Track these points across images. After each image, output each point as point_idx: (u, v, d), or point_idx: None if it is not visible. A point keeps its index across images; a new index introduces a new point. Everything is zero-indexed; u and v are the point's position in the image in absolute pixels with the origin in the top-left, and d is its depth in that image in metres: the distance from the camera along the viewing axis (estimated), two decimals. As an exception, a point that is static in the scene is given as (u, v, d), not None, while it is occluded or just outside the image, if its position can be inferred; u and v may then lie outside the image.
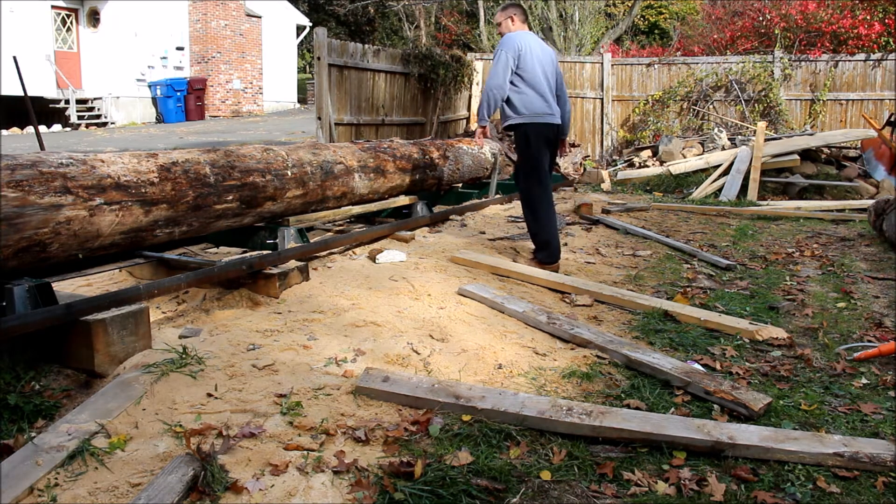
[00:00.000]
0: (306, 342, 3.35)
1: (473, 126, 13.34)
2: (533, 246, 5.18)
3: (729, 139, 11.27)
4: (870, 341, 3.87)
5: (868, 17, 13.03)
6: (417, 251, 5.00)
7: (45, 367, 3.00)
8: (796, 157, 10.17)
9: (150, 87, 20.04)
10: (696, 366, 3.41)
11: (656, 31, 24.05)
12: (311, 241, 5.02)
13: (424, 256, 4.85)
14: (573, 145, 12.56)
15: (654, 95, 12.64)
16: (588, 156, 12.92)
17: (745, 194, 9.62)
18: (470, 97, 13.55)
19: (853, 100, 11.75)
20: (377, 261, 4.61)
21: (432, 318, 3.77)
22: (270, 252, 4.39)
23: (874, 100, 11.64)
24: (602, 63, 13.04)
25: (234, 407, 2.73)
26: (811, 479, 2.45)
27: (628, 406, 2.97)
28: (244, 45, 21.58)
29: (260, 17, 21.96)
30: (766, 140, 10.28)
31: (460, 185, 7.60)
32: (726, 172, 10.12)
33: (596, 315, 4.24)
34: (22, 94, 5.54)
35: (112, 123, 19.60)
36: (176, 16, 20.48)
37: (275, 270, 4.04)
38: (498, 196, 7.77)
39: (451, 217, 6.47)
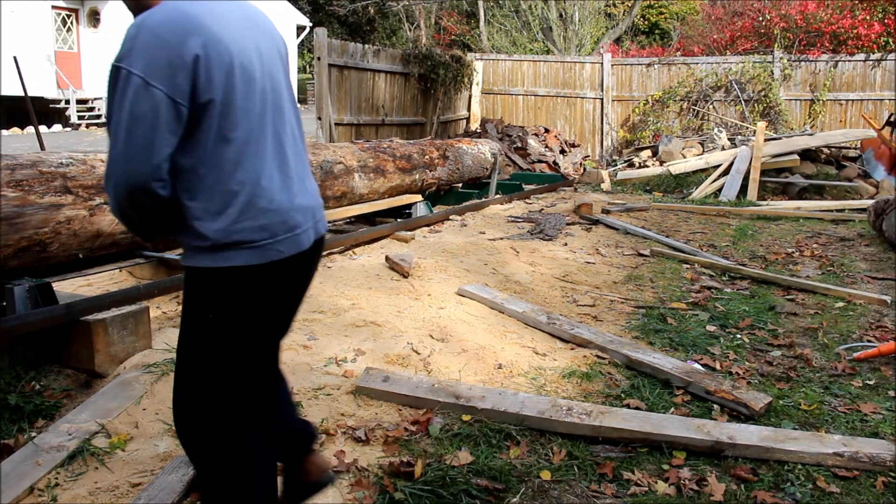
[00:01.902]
0: (306, 342, 3.36)
1: (474, 126, 13.35)
2: None
3: (729, 139, 11.27)
4: (870, 341, 3.87)
5: (868, 18, 13.02)
6: (417, 251, 5.00)
7: (45, 367, 3.00)
8: (796, 157, 10.17)
9: (150, 87, 20.01)
10: (696, 366, 3.42)
11: (656, 32, 24.04)
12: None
13: (425, 256, 4.85)
14: (573, 145, 12.55)
15: (653, 95, 12.64)
16: (588, 156, 12.91)
17: (744, 194, 9.61)
18: (470, 97, 13.57)
19: (853, 100, 11.75)
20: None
21: (432, 318, 3.77)
22: (270, 252, 4.38)
23: (874, 100, 11.64)
24: (602, 63, 13.05)
25: (234, 407, 2.73)
26: (811, 478, 2.45)
27: (628, 406, 2.97)
28: (244, 46, 21.56)
29: (260, 18, 21.94)
30: (765, 140, 10.28)
31: (460, 185, 7.61)
32: (726, 172, 10.11)
33: (596, 315, 4.24)
34: (22, 94, 5.54)
35: (112, 123, 19.57)
36: (176, 16, 20.46)
37: (275, 270, 4.03)
38: (498, 196, 7.78)
39: (451, 217, 6.47)
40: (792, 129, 11.76)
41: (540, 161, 11.52)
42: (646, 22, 23.95)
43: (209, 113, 1.58)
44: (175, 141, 1.56)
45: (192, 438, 1.74)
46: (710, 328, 4.06)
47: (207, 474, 1.76)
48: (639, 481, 2.42)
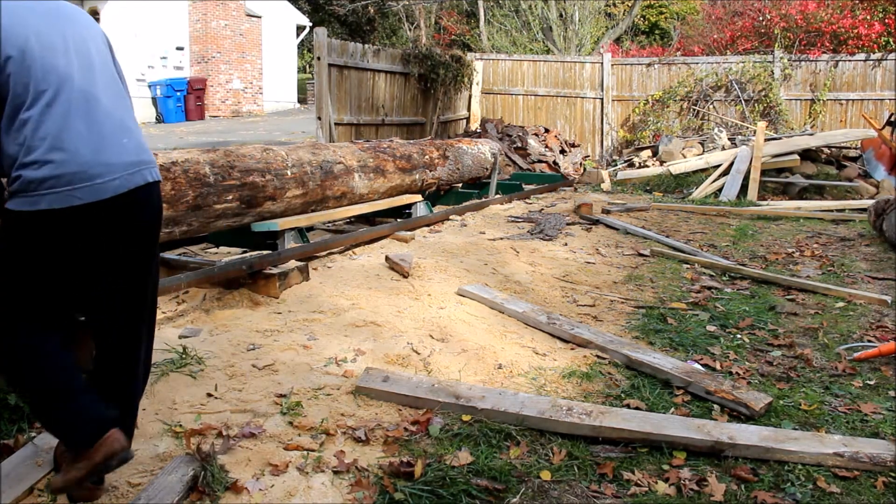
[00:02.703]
0: (306, 342, 3.35)
1: (474, 126, 13.34)
2: None
3: (729, 139, 11.26)
4: (870, 341, 3.87)
5: (868, 17, 13.01)
6: (418, 251, 5.00)
7: (45, 367, 3.00)
8: (796, 157, 10.17)
9: (149, 87, 20.01)
10: (697, 366, 3.42)
11: (656, 31, 24.04)
12: (311, 241, 5.02)
13: (425, 256, 4.85)
14: (573, 145, 12.55)
15: (654, 95, 12.64)
16: (588, 156, 12.91)
17: (745, 194, 9.61)
18: (470, 97, 13.57)
19: (853, 100, 11.75)
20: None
21: (432, 318, 3.77)
22: (270, 252, 4.39)
23: (874, 100, 11.63)
24: (602, 63, 13.04)
25: (234, 407, 2.73)
26: (811, 479, 2.45)
27: (628, 406, 2.97)
28: (244, 45, 21.56)
29: (260, 17, 21.94)
30: (766, 140, 10.27)
31: (460, 185, 7.60)
32: (726, 172, 10.11)
33: (596, 315, 4.24)
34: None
35: (112, 123, 19.55)
36: (176, 16, 20.44)
37: (275, 270, 4.04)
38: (498, 196, 7.77)
39: (451, 217, 6.47)
40: (792, 128, 11.75)
41: (540, 161, 11.52)
42: (646, 22, 23.94)
43: (8, 81, 1.91)
44: None
45: None
46: (711, 328, 4.05)
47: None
48: (639, 481, 2.42)
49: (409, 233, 5.52)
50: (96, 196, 1.97)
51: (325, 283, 4.18)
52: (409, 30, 23.66)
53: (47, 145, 1.93)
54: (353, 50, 10.12)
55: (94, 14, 19.40)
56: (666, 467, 2.51)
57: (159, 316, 3.83)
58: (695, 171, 10.57)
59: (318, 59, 9.41)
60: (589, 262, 5.37)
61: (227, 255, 4.96)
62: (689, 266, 5.48)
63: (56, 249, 1.98)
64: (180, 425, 2.58)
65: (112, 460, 2.05)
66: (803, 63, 12.01)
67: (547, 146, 11.93)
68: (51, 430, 2.17)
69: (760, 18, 14.21)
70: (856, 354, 3.61)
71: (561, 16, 19.01)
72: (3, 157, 1.95)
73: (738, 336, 3.95)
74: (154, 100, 20.15)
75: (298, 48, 25.22)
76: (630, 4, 20.12)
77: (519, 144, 11.74)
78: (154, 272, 2.28)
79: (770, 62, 12.10)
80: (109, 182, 1.99)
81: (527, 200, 7.95)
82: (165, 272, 4.22)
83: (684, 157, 11.12)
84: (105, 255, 2.08)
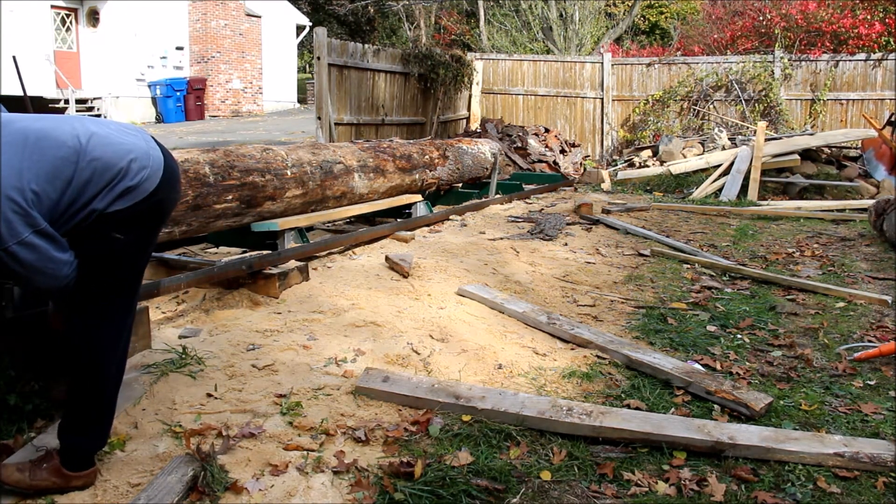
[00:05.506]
0: (306, 342, 3.35)
1: (474, 126, 13.34)
2: None
3: (729, 139, 11.26)
4: (870, 341, 3.87)
5: (868, 17, 13.01)
6: (418, 251, 5.00)
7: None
8: (796, 157, 10.16)
9: (149, 86, 20.01)
10: (697, 366, 3.41)
11: (657, 31, 24.04)
12: (311, 241, 5.02)
13: (425, 256, 4.85)
14: (573, 145, 12.54)
15: (654, 95, 12.64)
16: (588, 156, 12.91)
17: (745, 194, 9.61)
18: (470, 97, 13.56)
19: (853, 99, 11.74)
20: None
21: (432, 318, 3.77)
22: (270, 252, 4.38)
23: (874, 99, 11.63)
24: (602, 63, 13.04)
25: (233, 407, 2.73)
26: (811, 479, 2.44)
27: (628, 406, 2.97)
28: (244, 45, 21.55)
29: (260, 17, 21.94)
30: (766, 140, 10.27)
31: (460, 184, 7.59)
32: (726, 172, 10.10)
33: (596, 315, 4.23)
34: (21, 93, 5.54)
35: (112, 123, 19.52)
36: (176, 16, 20.44)
37: (275, 270, 4.03)
38: (498, 196, 7.77)
39: (451, 217, 6.46)
40: (792, 128, 11.75)
41: (540, 161, 11.52)
42: (646, 21, 23.95)
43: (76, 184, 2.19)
44: None
45: None
46: (711, 328, 4.05)
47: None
48: (639, 482, 2.41)
49: (409, 233, 5.51)
50: (158, 173, 2.20)
51: (324, 283, 4.18)
52: (409, 30, 23.66)
53: (127, 165, 2.14)
54: (353, 50, 10.11)
55: (94, 14, 19.41)
56: (666, 467, 2.51)
57: (159, 316, 3.83)
58: (695, 171, 10.57)
59: (318, 58, 9.41)
60: (589, 262, 5.37)
61: (227, 255, 4.96)
62: (689, 266, 5.47)
63: (154, 228, 2.30)
64: (180, 425, 2.57)
65: (84, 489, 2.24)
66: (804, 63, 12.01)
67: (547, 146, 11.92)
68: (83, 431, 2.24)
69: (761, 18, 14.21)
70: (856, 354, 3.61)
71: (561, 16, 19.01)
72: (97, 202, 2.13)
73: (739, 336, 3.95)
74: (154, 100, 20.15)
75: (298, 48, 25.23)
76: (630, 4, 20.12)
77: (519, 144, 11.73)
78: None
79: (770, 62, 12.09)
80: (155, 157, 2.22)
81: (527, 200, 7.95)
82: (165, 272, 4.22)
83: (684, 156, 11.12)
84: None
